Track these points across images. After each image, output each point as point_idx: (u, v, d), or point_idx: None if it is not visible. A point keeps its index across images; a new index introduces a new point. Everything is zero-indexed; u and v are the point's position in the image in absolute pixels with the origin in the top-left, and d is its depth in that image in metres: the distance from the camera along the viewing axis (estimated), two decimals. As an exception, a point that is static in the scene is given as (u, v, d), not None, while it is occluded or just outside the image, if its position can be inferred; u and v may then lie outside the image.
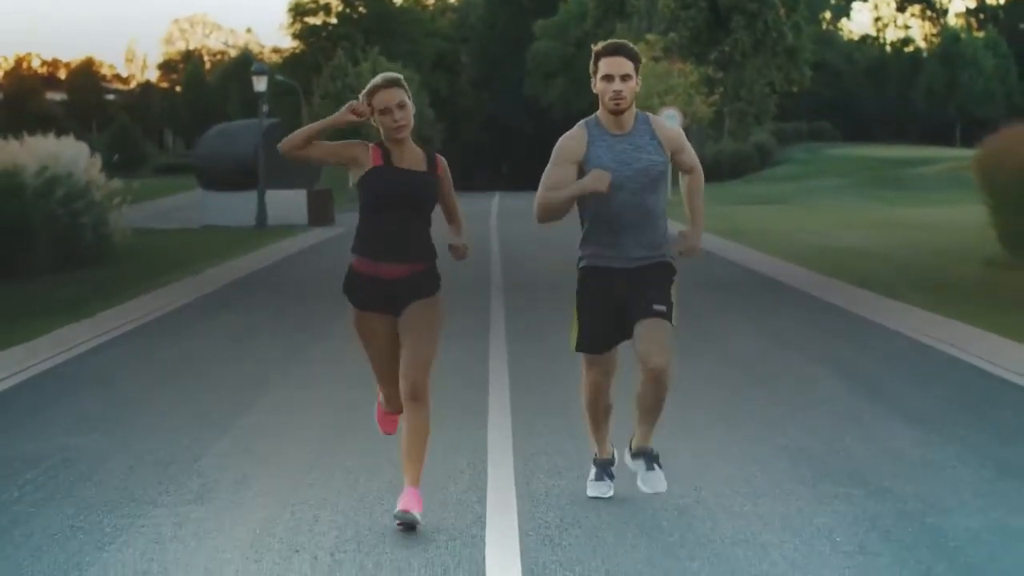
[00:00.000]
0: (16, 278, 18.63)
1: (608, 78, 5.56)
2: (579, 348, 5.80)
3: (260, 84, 31.50)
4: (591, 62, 5.67)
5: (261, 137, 31.86)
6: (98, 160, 23.54)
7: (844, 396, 8.65)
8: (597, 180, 5.50)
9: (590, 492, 5.99)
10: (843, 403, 8.38)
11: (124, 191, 24.14)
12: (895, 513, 5.71)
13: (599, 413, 5.90)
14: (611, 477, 6.00)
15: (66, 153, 22.75)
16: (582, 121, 5.76)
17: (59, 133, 24.74)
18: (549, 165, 5.71)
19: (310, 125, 5.55)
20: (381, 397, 5.89)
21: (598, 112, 5.70)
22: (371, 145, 5.61)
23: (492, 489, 6.06)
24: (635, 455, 5.88)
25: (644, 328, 5.57)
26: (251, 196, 32.42)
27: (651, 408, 5.73)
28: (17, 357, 10.97)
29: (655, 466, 5.83)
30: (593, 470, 6.04)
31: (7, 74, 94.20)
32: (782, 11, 49.85)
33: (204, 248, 24.37)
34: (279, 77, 52.66)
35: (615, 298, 5.68)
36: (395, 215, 5.51)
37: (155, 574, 4.97)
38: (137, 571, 4.99)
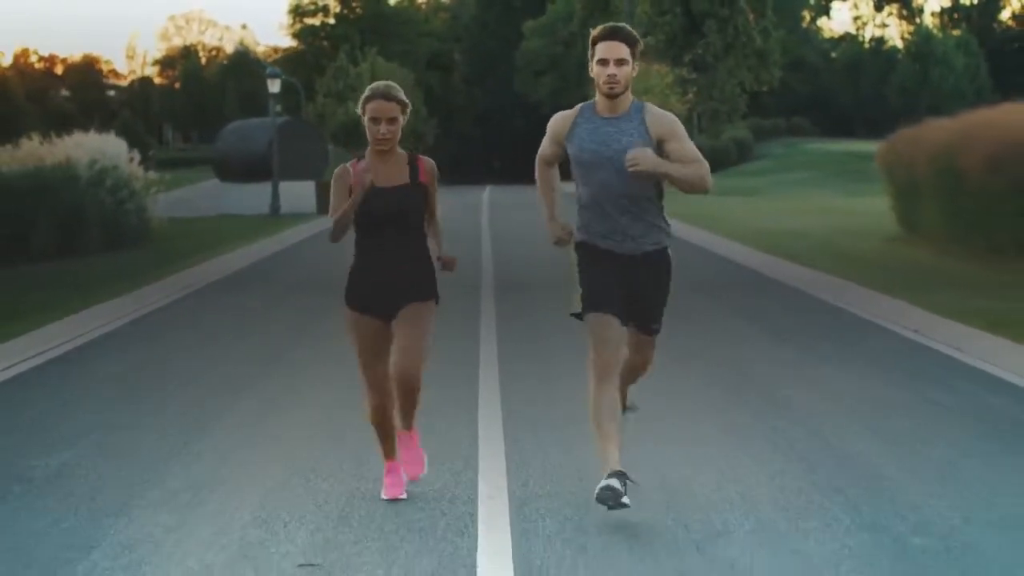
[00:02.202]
0: (74, 256, 21.78)
1: (603, 62, 5.51)
2: (588, 307, 5.67)
3: (274, 86, 34.90)
4: (589, 45, 5.62)
5: (275, 133, 35.25)
6: (136, 154, 26.91)
7: (742, 328, 12.00)
8: (553, 237, 5.78)
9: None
10: (741, 333, 11.72)
11: (158, 182, 27.54)
12: (743, 382, 9.04)
13: (607, 418, 5.53)
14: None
15: (110, 148, 26.12)
16: (580, 103, 5.81)
17: (74, 129, 28.00)
18: (545, 138, 5.86)
19: (337, 221, 5.59)
20: (369, 409, 5.83)
21: (596, 96, 5.68)
22: (351, 165, 5.69)
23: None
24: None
25: (638, 340, 5.91)
26: (264, 187, 35.76)
27: (629, 380, 6.17)
28: (118, 306, 14.34)
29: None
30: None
31: (18, 71, 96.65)
32: (751, 16, 53.47)
33: (231, 232, 27.72)
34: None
35: (614, 269, 5.69)
36: (383, 232, 5.63)
37: (252, 425, 8.35)
38: (236, 440, 8.32)
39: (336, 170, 5.70)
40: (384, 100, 5.56)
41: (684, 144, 5.58)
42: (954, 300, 13.09)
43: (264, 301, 14.90)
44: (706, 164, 5.56)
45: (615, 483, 5.27)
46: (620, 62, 5.49)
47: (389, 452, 5.88)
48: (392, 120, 5.55)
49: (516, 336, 11.39)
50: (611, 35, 5.53)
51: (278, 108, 37.17)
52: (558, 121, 5.78)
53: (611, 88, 5.52)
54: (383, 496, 5.80)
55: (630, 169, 5.43)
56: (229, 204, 36.20)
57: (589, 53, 5.60)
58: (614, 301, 5.65)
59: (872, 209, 25.22)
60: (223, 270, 18.98)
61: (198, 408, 8.20)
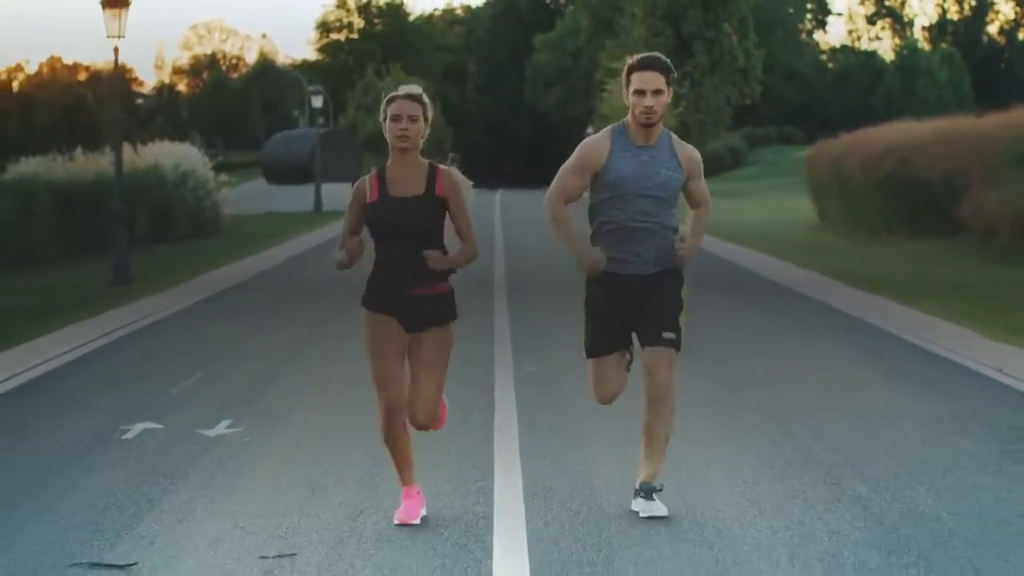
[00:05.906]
0: (167, 243, 27.01)
1: (640, 92, 5.55)
2: (588, 353, 5.80)
3: (317, 101, 40.60)
4: (624, 74, 5.65)
5: (318, 140, 40.99)
6: (208, 159, 32.58)
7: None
8: (590, 264, 5.64)
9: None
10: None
11: (226, 183, 33.19)
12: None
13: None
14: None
15: (189, 154, 31.77)
16: (609, 127, 5.77)
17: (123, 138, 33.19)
18: (569, 165, 5.76)
19: (338, 263, 5.59)
20: (380, 413, 5.60)
21: (627, 119, 5.69)
22: (370, 176, 5.57)
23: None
24: (637, 492, 5.81)
25: (652, 354, 5.65)
26: (305, 188, 41.43)
27: (659, 435, 5.71)
28: (238, 268, 20.02)
29: (654, 497, 5.76)
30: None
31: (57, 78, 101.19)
32: (735, 38, 59.05)
33: (288, 224, 33.45)
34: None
35: (624, 302, 5.69)
36: (397, 243, 5.47)
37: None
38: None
39: (356, 184, 5.66)
40: (407, 100, 5.49)
41: (700, 184, 5.80)
42: (826, 264, 18.66)
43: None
44: (710, 205, 5.91)
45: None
46: (656, 92, 5.58)
47: (405, 477, 5.72)
48: (413, 119, 5.45)
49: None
50: (647, 66, 5.62)
51: (320, 120, 42.89)
52: (591, 150, 5.71)
53: (648, 119, 5.60)
54: (395, 521, 5.65)
55: (681, 256, 5.62)
56: (276, 203, 41.70)
57: (624, 80, 5.66)
58: (615, 343, 5.77)
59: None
60: (302, 246, 24.78)
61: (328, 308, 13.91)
